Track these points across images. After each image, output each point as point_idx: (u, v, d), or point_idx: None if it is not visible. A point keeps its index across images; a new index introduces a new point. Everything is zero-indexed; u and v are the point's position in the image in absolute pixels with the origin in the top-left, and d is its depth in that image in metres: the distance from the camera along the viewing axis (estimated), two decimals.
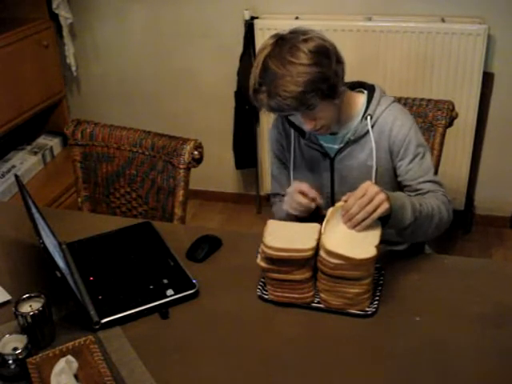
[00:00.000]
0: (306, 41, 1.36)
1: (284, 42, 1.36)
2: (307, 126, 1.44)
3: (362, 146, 1.51)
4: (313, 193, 1.41)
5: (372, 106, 1.49)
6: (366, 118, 1.49)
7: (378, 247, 1.20)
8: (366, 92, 1.53)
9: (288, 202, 1.46)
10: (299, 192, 1.42)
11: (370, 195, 1.24)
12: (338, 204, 1.30)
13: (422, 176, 1.47)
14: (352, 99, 1.52)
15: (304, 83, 1.33)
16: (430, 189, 1.46)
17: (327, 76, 1.36)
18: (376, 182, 1.51)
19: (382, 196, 1.25)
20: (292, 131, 1.58)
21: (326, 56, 1.37)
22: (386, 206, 1.24)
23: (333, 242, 1.21)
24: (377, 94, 1.51)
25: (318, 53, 1.35)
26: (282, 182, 1.66)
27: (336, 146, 1.54)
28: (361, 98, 1.53)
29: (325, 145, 1.55)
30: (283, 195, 1.66)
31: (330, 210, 1.30)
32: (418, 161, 1.48)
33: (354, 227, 1.25)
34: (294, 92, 1.33)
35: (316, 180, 1.58)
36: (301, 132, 1.56)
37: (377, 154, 1.50)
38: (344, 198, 1.30)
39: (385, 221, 1.29)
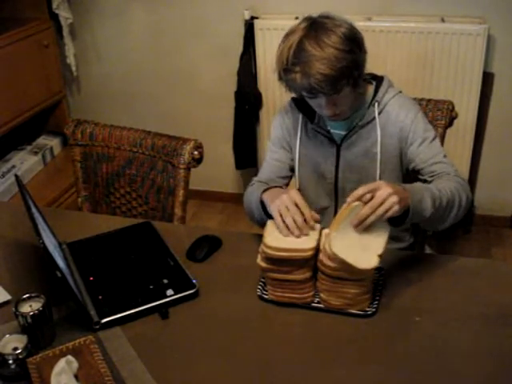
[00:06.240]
0: (341, 26, 1.39)
1: (319, 26, 1.39)
2: (328, 111, 1.44)
3: (369, 132, 1.52)
4: (308, 212, 1.28)
5: (380, 94, 1.51)
6: (374, 105, 1.51)
7: (381, 256, 1.19)
8: (374, 82, 1.55)
9: (280, 208, 1.29)
10: (294, 204, 1.29)
11: (382, 197, 1.19)
12: (353, 204, 1.21)
13: (433, 157, 1.47)
14: (362, 88, 1.52)
15: (340, 69, 1.35)
16: (444, 170, 1.45)
17: (359, 64, 1.40)
18: (380, 169, 1.51)
19: (394, 199, 1.19)
20: (300, 116, 1.58)
21: (358, 45, 1.40)
22: (395, 208, 1.19)
23: (339, 244, 1.18)
24: (385, 83, 1.53)
25: (353, 40, 1.39)
26: (273, 170, 1.62)
27: (343, 132, 1.55)
28: (370, 87, 1.55)
29: (332, 130, 1.56)
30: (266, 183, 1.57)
31: (344, 207, 1.22)
32: (427, 144, 1.48)
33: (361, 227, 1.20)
34: (330, 76, 1.34)
35: (321, 165, 1.59)
36: (309, 117, 1.57)
37: (383, 141, 1.51)
38: (355, 193, 1.21)
39: (405, 215, 1.25)
